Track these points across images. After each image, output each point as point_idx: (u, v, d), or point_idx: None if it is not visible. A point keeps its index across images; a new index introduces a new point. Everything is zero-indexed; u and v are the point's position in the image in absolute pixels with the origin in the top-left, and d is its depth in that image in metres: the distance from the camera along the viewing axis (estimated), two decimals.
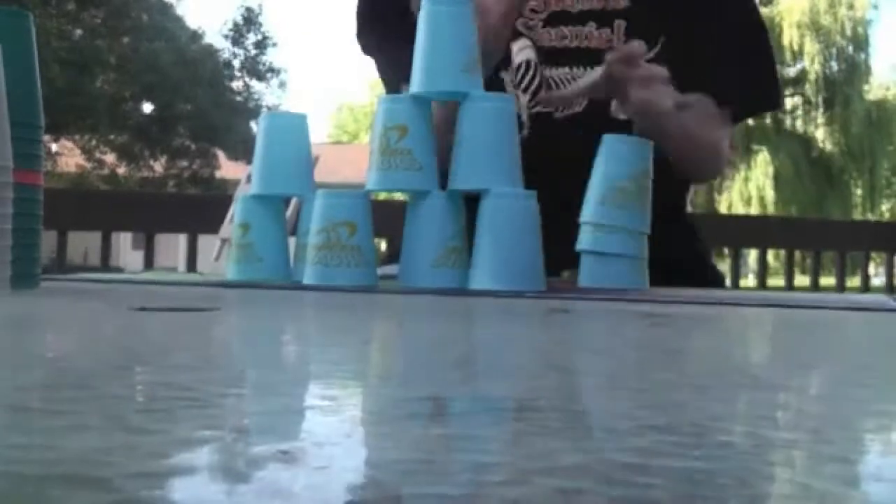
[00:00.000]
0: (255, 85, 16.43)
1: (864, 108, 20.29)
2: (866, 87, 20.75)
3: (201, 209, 2.74)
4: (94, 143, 14.97)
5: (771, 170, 19.73)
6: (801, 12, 20.05)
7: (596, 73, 1.23)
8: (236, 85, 16.13)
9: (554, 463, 0.22)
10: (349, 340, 0.56)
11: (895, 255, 3.19)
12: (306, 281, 1.10)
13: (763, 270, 3.13)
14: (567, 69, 1.37)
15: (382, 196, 1.44)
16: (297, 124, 1.27)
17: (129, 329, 0.57)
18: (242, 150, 14.51)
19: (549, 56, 1.37)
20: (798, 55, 20.42)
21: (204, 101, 14.18)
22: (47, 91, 0.91)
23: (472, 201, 1.10)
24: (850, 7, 20.44)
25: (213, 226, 1.72)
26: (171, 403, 0.30)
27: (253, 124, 15.90)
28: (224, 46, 16.02)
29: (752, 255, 4.04)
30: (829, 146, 20.58)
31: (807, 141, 20.79)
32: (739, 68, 1.39)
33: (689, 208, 1.58)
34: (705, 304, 0.94)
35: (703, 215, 4.41)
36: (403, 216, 1.14)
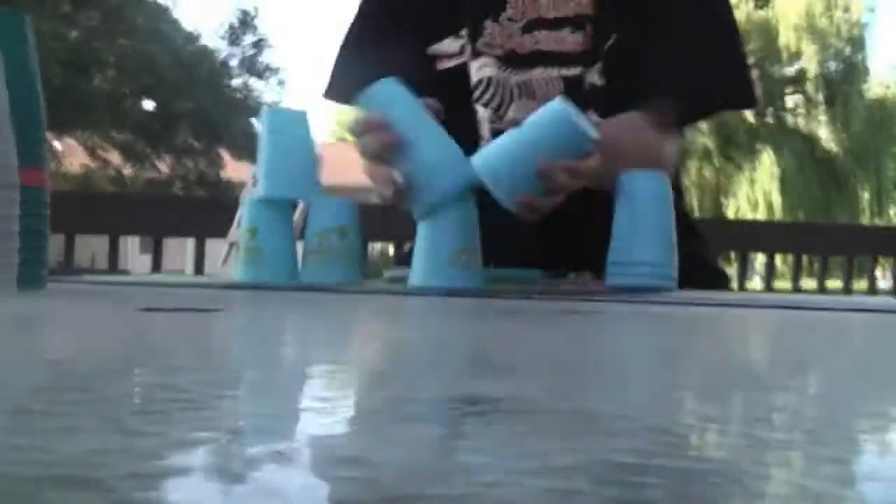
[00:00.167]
0: (254, 83, 16.47)
1: (865, 107, 20.28)
2: (865, 87, 20.74)
3: (209, 213, 2.74)
4: (96, 140, 15.00)
5: (777, 171, 19.71)
6: (798, 15, 20.08)
7: None
8: (235, 83, 16.17)
9: (548, 463, 0.22)
10: (348, 341, 0.56)
11: None
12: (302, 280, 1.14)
13: (770, 274, 3.12)
14: (542, 68, 1.39)
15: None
16: (299, 121, 1.26)
17: (131, 330, 0.57)
18: (246, 147, 14.52)
19: (527, 60, 1.39)
20: (795, 56, 20.43)
21: (204, 100, 14.21)
22: (46, 90, 0.92)
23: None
24: (846, 10, 20.45)
25: (221, 230, 1.72)
26: (168, 405, 0.30)
27: (254, 121, 15.92)
28: (221, 48, 16.07)
29: (758, 260, 4.03)
30: (832, 145, 20.55)
31: (810, 140, 20.77)
32: (704, 67, 1.38)
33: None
34: (707, 306, 0.94)
35: (711, 220, 4.40)
36: (406, 220, 1.15)
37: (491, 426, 0.28)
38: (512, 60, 1.40)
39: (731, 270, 2.82)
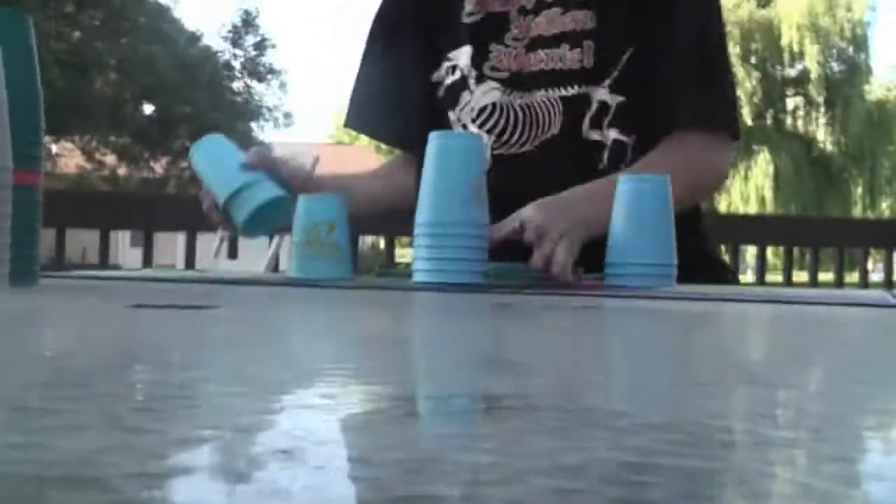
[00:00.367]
0: (256, 86, 16.46)
1: (865, 109, 20.34)
2: (867, 88, 20.79)
3: (200, 208, 2.73)
4: (94, 144, 14.99)
5: (771, 169, 19.78)
6: (800, 14, 20.11)
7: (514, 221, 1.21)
8: (236, 86, 16.16)
9: (554, 462, 0.22)
10: (348, 338, 0.56)
11: (894, 251, 3.19)
12: (291, 275, 1.18)
13: (762, 267, 3.13)
14: (543, 91, 1.38)
15: None
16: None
17: (128, 327, 0.57)
18: (245, 150, 14.53)
19: (530, 81, 1.40)
20: (798, 56, 20.47)
21: (204, 103, 14.20)
22: (46, 93, 0.92)
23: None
24: (849, 9, 20.49)
25: (211, 224, 1.71)
26: (169, 402, 0.30)
27: (253, 125, 15.93)
28: (223, 48, 16.05)
29: (749, 252, 4.04)
30: (829, 146, 20.62)
31: (807, 141, 20.84)
32: (695, 90, 1.37)
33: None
34: (704, 301, 0.94)
35: (702, 214, 4.40)
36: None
37: (495, 424, 0.28)
38: (516, 82, 1.40)
39: None
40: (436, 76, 1.48)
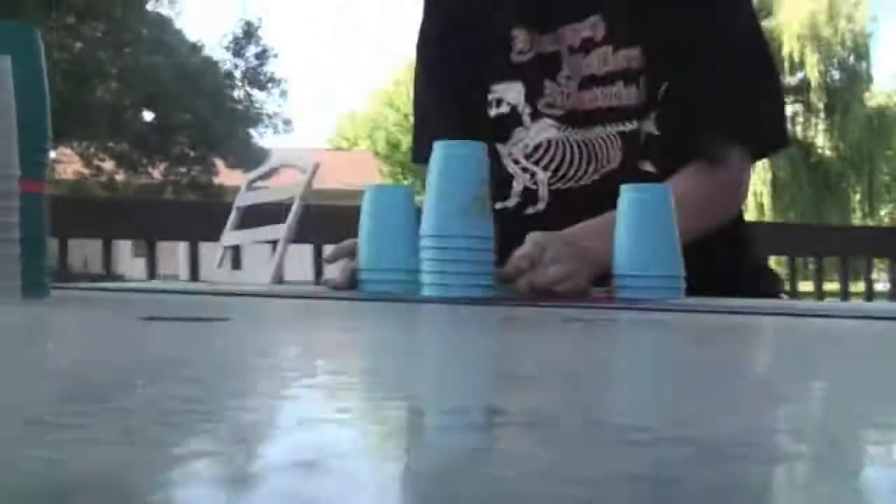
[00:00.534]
0: (256, 94, 16.48)
1: (865, 115, 20.35)
2: (868, 95, 20.81)
3: (202, 216, 2.74)
4: (92, 150, 15.01)
5: (769, 176, 19.77)
6: (801, 24, 20.14)
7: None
8: (237, 94, 16.18)
9: (572, 475, 0.22)
10: (359, 351, 0.56)
11: None
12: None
13: None
14: (601, 126, 1.40)
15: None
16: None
17: (142, 340, 0.57)
18: (242, 158, 14.56)
19: (587, 118, 1.41)
20: (799, 65, 20.49)
21: (204, 111, 14.22)
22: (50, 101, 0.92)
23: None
24: (850, 20, 20.52)
25: (214, 233, 1.72)
26: (187, 416, 0.30)
27: (253, 132, 15.95)
28: (225, 58, 16.07)
29: None
30: (828, 152, 20.63)
31: (806, 147, 20.84)
32: (747, 106, 1.39)
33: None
34: (714, 313, 0.94)
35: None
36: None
37: (513, 438, 0.28)
38: (573, 119, 1.42)
39: None
40: (496, 92, 1.49)
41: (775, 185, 19.71)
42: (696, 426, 0.30)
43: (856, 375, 0.49)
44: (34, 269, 0.88)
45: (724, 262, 1.18)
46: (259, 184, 1.71)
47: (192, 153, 15.43)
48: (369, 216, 1.24)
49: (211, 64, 15.46)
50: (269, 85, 16.44)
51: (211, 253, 1.78)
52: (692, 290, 1.16)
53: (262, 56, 16.23)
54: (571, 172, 1.41)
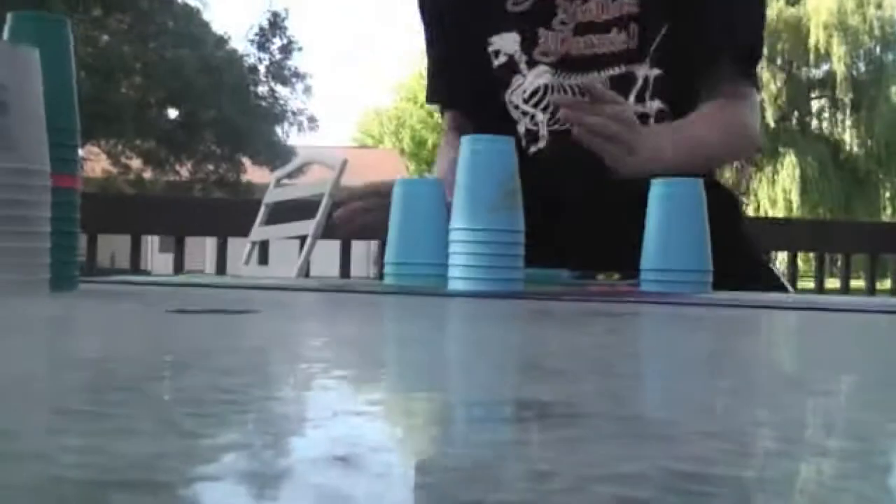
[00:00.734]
0: (280, 90, 16.49)
1: (892, 109, 20.17)
2: (894, 89, 20.61)
3: (231, 213, 2.75)
4: (120, 148, 15.09)
5: (797, 172, 19.64)
6: (829, 13, 19.94)
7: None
8: (262, 90, 16.20)
9: (611, 470, 0.22)
10: (389, 343, 0.56)
11: None
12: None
13: (794, 273, 3.11)
14: (595, 72, 1.47)
15: None
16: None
17: (173, 331, 0.58)
18: (268, 155, 14.59)
19: (580, 63, 1.48)
20: (825, 57, 20.33)
21: (229, 108, 14.25)
22: None
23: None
24: (879, 6, 20.31)
25: (242, 229, 1.72)
26: (222, 407, 0.30)
27: (278, 129, 15.99)
28: (250, 52, 16.10)
29: (779, 258, 4.01)
30: (856, 148, 20.47)
31: (834, 143, 20.70)
32: (748, 37, 1.50)
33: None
34: (738, 307, 0.94)
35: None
36: None
37: (548, 432, 0.28)
38: (566, 65, 1.49)
39: None
40: (495, 44, 1.56)
41: (804, 182, 19.58)
42: (728, 420, 0.30)
43: (886, 369, 0.48)
44: (64, 263, 0.89)
45: (722, 262, 1.19)
46: (286, 181, 1.71)
47: (218, 151, 15.48)
48: (398, 210, 1.24)
49: (236, 58, 15.49)
50: (294, 80, 16.46)
51: (238, 249, 1.79)
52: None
53: (286, 49, 16.24)
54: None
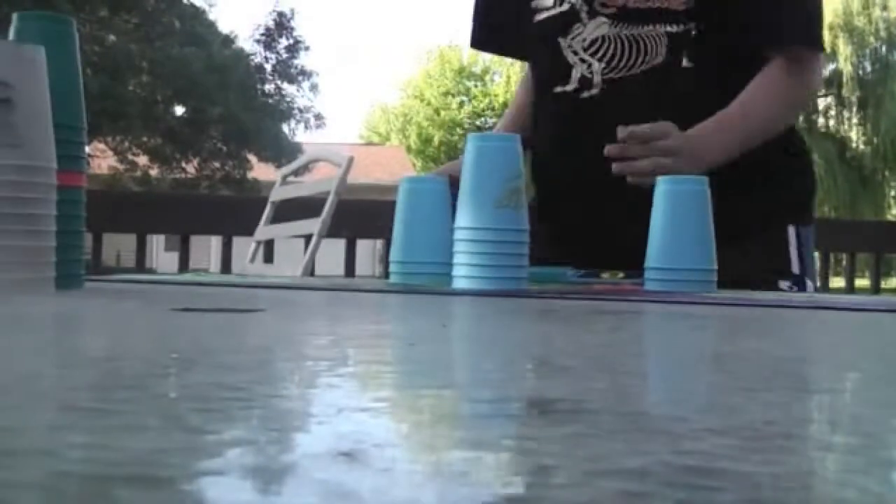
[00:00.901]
0: (287, 87, 16.48)
1: None
2: None
3: (236, 211, 2.75)
4: (126, 145, 15.10)
5: None
6: (835, 13, 19.92)
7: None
8: (268, 88, 16.19)
9: (615, 466, 0.22)
10: (395, 341, 0.56)
11: None
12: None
13: None
14: (651, 26, 1.54)
15: None
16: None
17: (178, 329, 0.58)
18: (274, 152, 14.59)
19: (637, 16, 1.55)
20: (831, 56, 20.30)
21: (235, 105, 14.25)
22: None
23: None
24: (885, 8, 20.30)
25: (247, 228, 1.72)
26: (227, 404, 0.30)
27: (284, 126, 15.99)
28: (256, 51, 16.09)
29: None
30: (861, 146, 20.44)
31: (840, 141, 20.66)
32: (780, 11, 1.52)
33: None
34: (741, 306, 0.94)
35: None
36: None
37: (553, 427, 0.28)
38: (624, 16, 1.55)
39: None
40: (536, 3, 1.65)
41: None
42: (734, 416, 0.30)
43: (890, 367, 0.49)
44: (70, 261, 0.89)
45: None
46: (292, 178, 1.71)
47: (224, 148, 15.48)
48: (404, 208, 1.24)
49: (243, 56, 15.49)
50: (300, 78, 16.45)
51: (243, 248, 1.79)
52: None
53: (292, 48, 16.23)
54: (622, 64, 1.55)
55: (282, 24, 16.13)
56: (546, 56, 1.61)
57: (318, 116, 16.88)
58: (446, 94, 27.87)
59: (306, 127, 16.65)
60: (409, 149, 27.07)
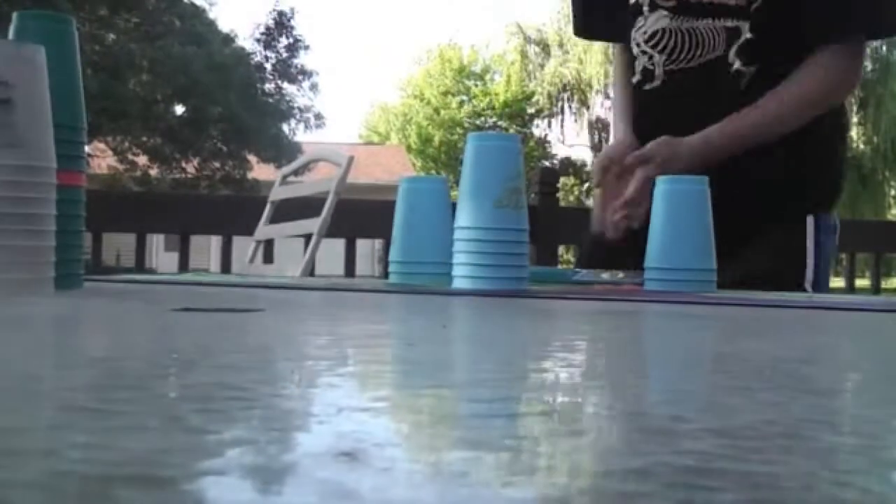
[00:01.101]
0: (287, 87, 16.46)
1: None
2: None
3: (236, 211, 2.75)
4: (126, 145, 15.08)
5: None
6: None
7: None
8: (268, 87, 16.17)
9: (615, 466, 0.22)
10: (393, 340, 0.56)
11: None
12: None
13: None
14: (709, 20, 1.57)
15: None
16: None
17: (178, 329, 0.58)
18: (274, 152, 14.58)
19: (694, 10, 1.59)
20: None
21: (235, 105, 14.23)
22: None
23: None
24: None
25: (247, 228, 1.72)
26: (228, 404, 0.30)
27: (284, 126, 15.98)
28: (256, 50, 16.07)
29: None
30: (862, 146, 20.43)
31: None
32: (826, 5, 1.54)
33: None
34: (740, 306, 0.94)
35: None
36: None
37: (551, 426, 0.28)
38: (682, 10, 1.60)
39: None
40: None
41: None
42: (734, 416, 0.30)
43: (890, 367, 0.49)
44: (69, 261, 0.89)
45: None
46: (292, 178, 1.71)
47: (224, 148, 15.47)
48: (404, 208, 1.24)
49: (243, 55, 15.48)
50: (300, 77, 16.43)
51: (243, 247, 1.79)
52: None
53: (293, 48, 16.21)
54: (682, 56, 1.60)
55: (282, 24, 16.10)
56: (626, 47, 1.69)
57: (318, 116, 16.86)
58: (446, 93, 27.85)
59: (306, 127, 16.63)
60: (409, 148, 27.05)
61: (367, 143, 28.17)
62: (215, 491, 0.20)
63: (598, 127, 24.37)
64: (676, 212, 1.15)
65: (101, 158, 15.03)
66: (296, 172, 1.75)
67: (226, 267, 2.74)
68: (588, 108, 24.90)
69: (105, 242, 2.81)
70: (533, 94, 25.58)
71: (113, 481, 0.20)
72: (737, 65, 1.56)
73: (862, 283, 3.63)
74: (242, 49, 15.67)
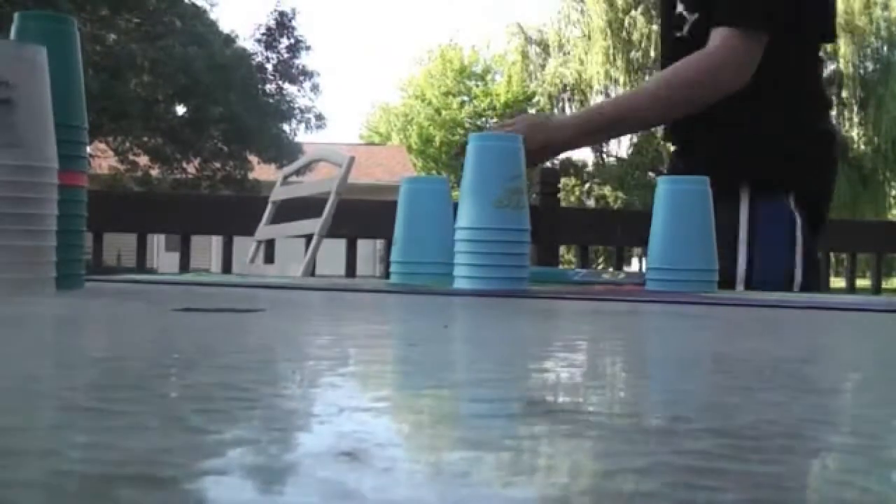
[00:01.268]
0: (288, 88, 16.46)
1: None
2: None
3: (237, 211, 2.75)
4: (127, 145, 15.08)
5: None
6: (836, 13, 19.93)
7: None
8: (269, 88, 16.17)
9: (615, 466, 0.22)
10: (394, 341, 0.56)
11: None
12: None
13: None
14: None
15: None
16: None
17: (179, 329, 0.58)
18: (275, 153, 14.58)
19: None
20: (832, 57, 20.29)
21: (236, 105, 14.23)
22: None
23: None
24: (886, 8, 20.30)
25: (248, 228, 1.72)
26: (229, 404, 0.30)
27: (285, 126, 15.98)
28: (257, 50, 16.07)
29: None
30: (862, 146, 20.42)
31: (841, 141, 20.64)
32: None
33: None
34: (740, 306, 0.94)
35: None
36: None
37: (554, 427, 0.28)
38: None
39: None
40: None
41: None
42: (734, 416, 0.30)
43: (890, 367, 0.48)
44: (71, 261, 0.89)
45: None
46: (294, 178, 1.71)
47: (225, 148, 15.46)
48: (405, 208, 1.24)
49: (244, 56, 15.47)
50: (301, 78, 16.43)
51: (244, 248, 1.79)
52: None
53: (294, 48, 16.21)
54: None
55: (283, 24, 16.10)
56: None
57: (319, 117, 16.85)
58: (447, 93, 27.84)
59: (307, 127, 16.62)
60: (409, 149, 27.03)
61: (367, 144, 28.15)
62: (216, 491, 0.20)
63: None
64: (677, 212, 1.15)
65: (102, 159, 15.03)
66: (297, 173, 1.75)
67: (227, 267, 2.74)
68: None
69: (106, 242, 2.81)
70: (534, 94, 25.55)
71: (114, 481, 0.20)
72: (680, 8, 1.64)
73: (862, 283, 3.62)
74: (243, 49, 15.66)
